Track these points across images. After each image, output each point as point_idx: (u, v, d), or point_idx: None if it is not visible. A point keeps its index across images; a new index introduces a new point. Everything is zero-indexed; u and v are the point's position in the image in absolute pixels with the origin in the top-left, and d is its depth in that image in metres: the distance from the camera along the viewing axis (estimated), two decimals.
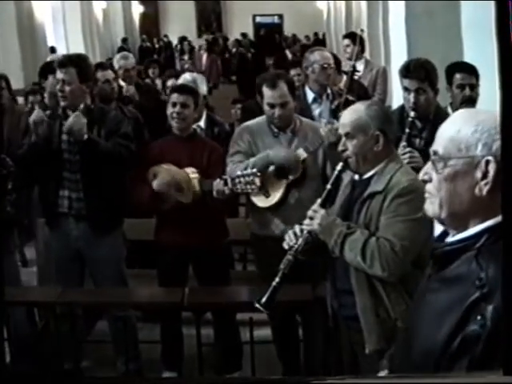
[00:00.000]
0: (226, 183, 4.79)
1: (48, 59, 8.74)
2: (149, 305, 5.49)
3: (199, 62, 18.41)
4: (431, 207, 2.14)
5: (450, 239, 2.12)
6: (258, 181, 4.68)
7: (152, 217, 5.56)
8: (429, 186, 2.14)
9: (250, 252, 6.56)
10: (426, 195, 2.16)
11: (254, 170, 4.70)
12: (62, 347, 5.19)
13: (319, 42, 25.91)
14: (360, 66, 8.18)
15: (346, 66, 8.16)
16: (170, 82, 7.66)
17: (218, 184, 4.82)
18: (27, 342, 5.37)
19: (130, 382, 2.94)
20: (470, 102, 5.14)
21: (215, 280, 5.25)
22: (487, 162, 1.99)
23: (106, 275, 5.30)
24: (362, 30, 6.51)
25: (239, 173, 4.76)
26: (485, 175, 2.00)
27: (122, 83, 7.89)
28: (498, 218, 1.99)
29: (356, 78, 7.26)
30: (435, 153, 2.10)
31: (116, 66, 8.02)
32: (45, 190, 5.31)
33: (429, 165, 2.15)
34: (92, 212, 5.15)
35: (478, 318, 1.86)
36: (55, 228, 5.30)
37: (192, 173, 5.07)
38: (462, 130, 2.05)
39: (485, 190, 2.00)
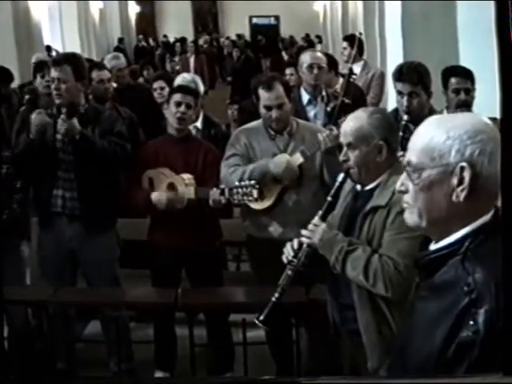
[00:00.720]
0: (222, 193, 4.76)
1: (33, 60, 8.63)
2: (142, 305, 5.48)
3: (186, 65, 18.22)
4: (411, 217, 2.14)
5: (433, 246, 2.12)
6: (255, 193, 4.62)
7: (146, 217, 5.56)
8: (406, 197, 2.13)
9: (244, 253, 6.55)
10: (405, 205, 2.15)
11: (253, 182, 4.65)
12: (54, 346, 5.18)
13: (310, 43, 25.87)
14: (357, 69, 8.18)
15: (343, 68, 8.17)
16: (156, 84, 7.58)
17: (214, 193, 4.79)
18: (20, 341, 5.35)
19: (122, 382, 2.93)
20: (465, 106, 5.15)
21: (208, 281, 5.24)
22: (462, 169, 1.99)
23: (99, 275, 5.29)
24: (360, 33, 6.50)
25: (237, 183, 4.71)
26: (461, 181, 2.00)
27: (114, 84, 7.87)
28: (480, 221, 2.01)
29: (352, 80, 7.26)
30: (409, 163, 2.09)
31: (108, 66, 8.00)
32: (39, 190, 5.29)
33: (404, 175, 2.13)
34: (86, 211, 5.13)
35: (471, 323, 1.85)
36: (48, 228, 5.27)
37: (188, 179, 5.05)
38: (433, 138, 2.04)
39: (462, 196, 2.00)
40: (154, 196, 5.06)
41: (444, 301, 1.95)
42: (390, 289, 3.51)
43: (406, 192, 2.13)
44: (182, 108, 5.21)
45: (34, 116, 5.09)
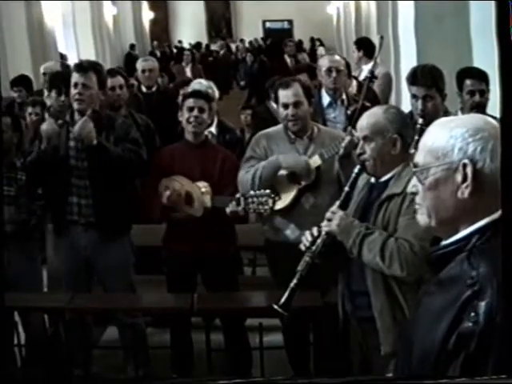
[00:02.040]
0: (238, 203, 4.77)
1: (43, 70, 8.58)
2: (158, 311, 5.48)
3: (182, 73, 17.86)
4: (422, 218, 2.19)
5: (443, 242, 2.16)
6: (271, 202, 4.67)
7: (160, 223, 5.56)
8: (417, 198, 2.19)
9: (260, 257, 6.55)
10: (416, 206, 2.21)
11: (268, 191, 4.69)
12: (71, 353, 5.19)
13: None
14: (366, 69, 8.21)
15: (361, 70, 8.20)
16: (183, 91, 7.56)
17: (231, 206, 4.79)
18: (37, 348, 5.37)
19: None
20: (480, 107, 5.14)
21: (223, 286, 5.24)
22: (464, 166, 2.04)
23: (114, 282, 5.29)
24: (382, 37, 6.47)
25: (252, 193, 4.74)
26: (464, 178, 2.04)
27: (144, 89, 7.91)
28: (488, 219, 2.05)
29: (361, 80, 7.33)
30: (415, 165, 2.16)
31: (139, 68, 8.07)
32: (53, 198, 5.29)
33: (415, 177, 2.19)
34: (101, 218, 5.14)
35: (472, 314, 1.89)
36: (63, 235, 5.28)
37: (204, 187, 5.06)
38: (437, 139, 2.11)
39: (466, 193, 2.04)
40: (164, 198, 5.06)
41: (448, 295, 1.99)
42: (406, 269, 3.63)
43: (416, 193, 2.18)
44: (195, 112, 5.22)
45: (43, 125, 5.12)
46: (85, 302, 5.27)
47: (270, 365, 5.00)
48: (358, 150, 3.86)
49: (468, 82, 5.24)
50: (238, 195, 4.81)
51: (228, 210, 4.81)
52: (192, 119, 5.22)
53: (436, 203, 2.12)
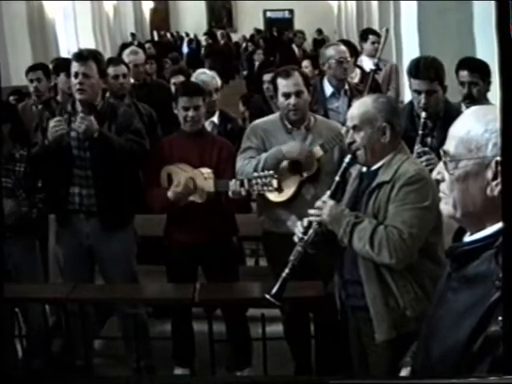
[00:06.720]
0: (242, 184, 4.77)
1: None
2: (160, 301, 5.48)
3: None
4: (446, 207, 2.14)
5: (468, 238, 2.12)
6: (275, 182, 4.65)
7: (162, 213, 5.55)
8: (442, 186, 2.15)
9: (262, 248, 6.55)
10: (441, 195, 2.16)
11: (272, 172, 4.67)
12: (73, 344, 5.19)
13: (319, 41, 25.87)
14: (366, 60, 8.22)
15: (360, 61, 8.18)
16: (174, 79, 7.44)
17: (234, 185, 4.80)
18: (38, 339, 5.37)
19: (140, 381, 2.94)
20: (470, 99, 5.10)
21: (224, 276, 5.24)
22: (497, 163, 1.98)
23: (116, 272, 5.30)
24: (387, 30, 6.48)
25: (255, 174, 4.72)
26: (495, 175, 1.99)
27: (132, 80, 7.79)
28: None
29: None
30: (446, 153, 2.10)
31: (126, 60, 7.93)
32: (55, 188, 5.28)
33: (441, 164, 2.14)
34: (103, 208, 5.14)
35: (500, 318, 1.84)
36: (65, 225, 5.28)
37: (206, 173, 5.05)
38: (472, 130, 2.05)
39: (496, 191, 1.99)
40: (170, 193, 5.07)
41: (474, 293, 1.96)
42: (395, 256, 3.68)
43: (442, 181, 2.14)
44: (191, 112, 5.19)
45: (51, 124, 5.06)
46: (86, 292, 5.26)
47: (272, 355, 4.99)
48: (348, 140, 3.92)
49: (460, 73, 5.22)
50: (241, 177, 4.81)
51: (230, 190, 4.80)
52: (189, 119, 5.19)
53: (463, 196, 2.07)
